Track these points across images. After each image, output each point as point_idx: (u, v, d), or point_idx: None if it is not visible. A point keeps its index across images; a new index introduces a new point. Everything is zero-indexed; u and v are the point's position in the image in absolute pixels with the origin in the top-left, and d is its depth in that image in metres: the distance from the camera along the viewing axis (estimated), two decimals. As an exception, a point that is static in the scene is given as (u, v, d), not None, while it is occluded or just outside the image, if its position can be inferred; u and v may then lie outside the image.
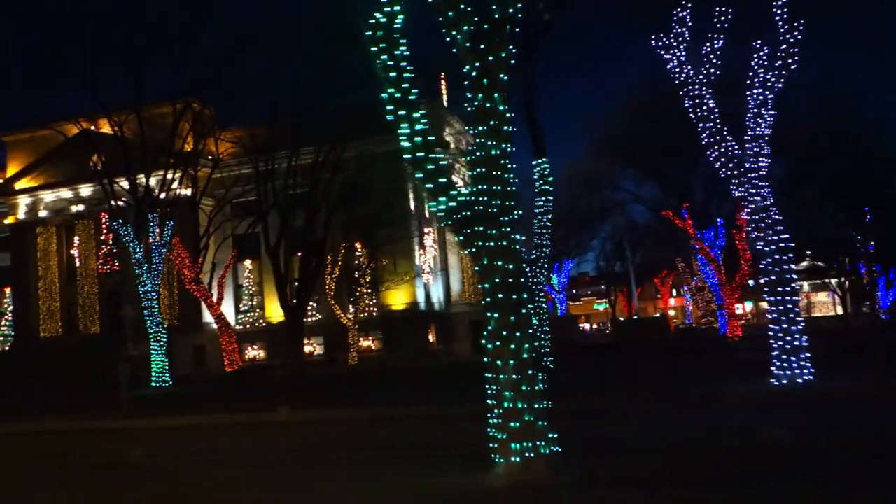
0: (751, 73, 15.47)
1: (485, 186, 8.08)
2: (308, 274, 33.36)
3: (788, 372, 14.37)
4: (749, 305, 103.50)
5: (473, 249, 8.17)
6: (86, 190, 51.33)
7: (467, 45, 8.06)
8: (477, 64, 8.05)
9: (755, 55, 15.40)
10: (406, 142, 8.31)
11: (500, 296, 7.95)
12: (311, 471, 9.65)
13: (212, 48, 36.62)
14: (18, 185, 52.12)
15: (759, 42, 15.45)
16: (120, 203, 36.29)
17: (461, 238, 8.27)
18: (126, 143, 35.97)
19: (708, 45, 15.40)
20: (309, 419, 15.82)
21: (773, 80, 14.80)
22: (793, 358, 14.36)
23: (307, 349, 49.01)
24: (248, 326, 49.59)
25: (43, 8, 25.30)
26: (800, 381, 14.28)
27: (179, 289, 48.81)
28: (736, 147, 15.20)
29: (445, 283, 52.58)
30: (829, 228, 50.01)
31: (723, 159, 15.21)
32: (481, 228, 8.03)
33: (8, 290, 54.43)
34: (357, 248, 44.49)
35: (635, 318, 69.05)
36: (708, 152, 15.49)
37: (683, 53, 15.50)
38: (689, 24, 15.46)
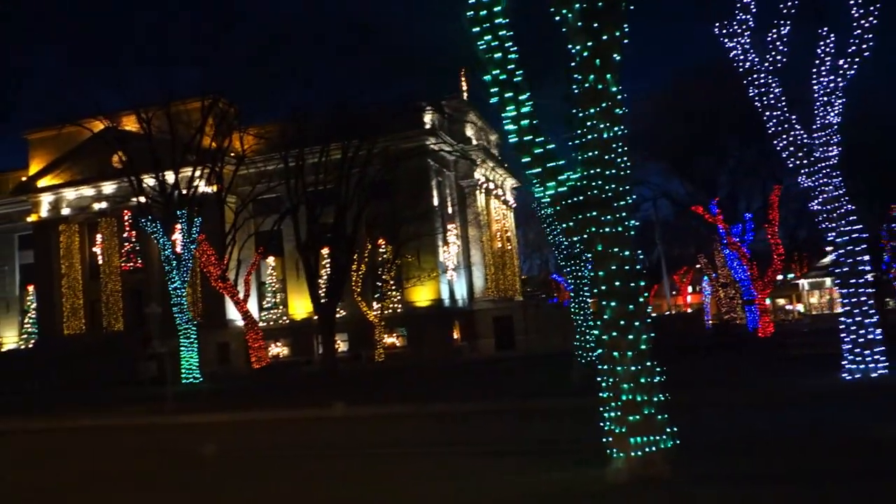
0: (817, 61, 15.08)
1: (597, 170, 7.78)
2: (339, 270, 33.10)
3: (862, 366, 14.00)
4: (766, 302, 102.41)
5: (585, 236, 7.86)
6: (108, 187, 51.34)
7: (579, 24, 7.75)
8: (589, 44, 7.74)
9: (821, 42, 15.01)
10: (511, 125, 8.02)
11: (617, 284, 7.64)
12: (399, 466, 9.37)
13: (240, 45, 36.56)
14: (41, 183, 52.19)
15: (825, 29, 15.06)
16: (144, 200, 36.28)
17: (570, 224, 7.97)
18: (152, 141, 35.87)
19: (774, 31, 15.02)
20: (367, 415, 15.58)
21: (845, 66, 14.41)
22: (866, 352, 13.99)
23: (331, 346, 48.93)
24: (271, 324, 49.44)
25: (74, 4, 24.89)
26: (874, 375, 13.91)
27: (203, 286, 48.77)
28: (805, 136, 14.82)
29: (468, 279, 52.32)
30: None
31: (791, 149, 14.83)
32: (594, 214, 7.73)
33: (31, 288, 54.59)
34: (381, 244, 44.25)
35: (668, 313, 68.36)
36: (775, 142, 15.11)
37: (748, 40, 15.12)
38: (754, 10, 15.10)
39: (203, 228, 36.08)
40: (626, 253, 7.74)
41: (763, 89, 14.99)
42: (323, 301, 33.02)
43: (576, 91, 7.98)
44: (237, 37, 36.25)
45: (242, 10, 32.13)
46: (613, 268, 7.67)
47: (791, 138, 14.83)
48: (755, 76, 15.06)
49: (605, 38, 7.67)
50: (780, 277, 57.65)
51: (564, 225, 8.08)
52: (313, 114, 34.15)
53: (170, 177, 36.75)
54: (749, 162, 43.25)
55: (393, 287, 44.38)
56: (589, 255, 7.97)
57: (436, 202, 47.95)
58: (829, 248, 15.36)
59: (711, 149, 41.59)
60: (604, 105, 7.79)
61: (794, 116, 14.91)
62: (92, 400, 27.87)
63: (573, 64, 7.96)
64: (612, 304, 7.64)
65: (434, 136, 46.61)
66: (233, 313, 49.45)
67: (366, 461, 9.86)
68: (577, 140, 7.97)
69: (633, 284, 7.68)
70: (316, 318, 48.45)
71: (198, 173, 37.30)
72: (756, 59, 15.12)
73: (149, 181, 37.57)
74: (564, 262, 23.26)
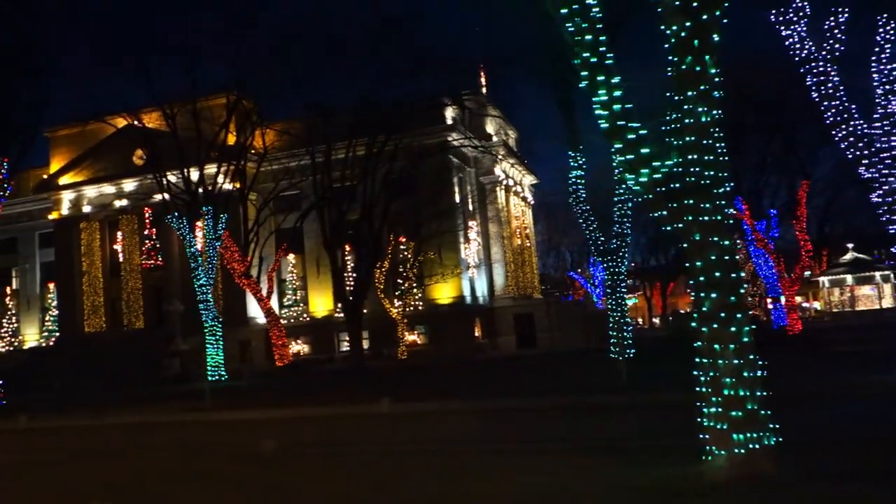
0: (877, 49, 14.70)
1: (694, 156, 7.48)
2: (366, 267, 32.85)
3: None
4: (795, 299, 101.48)
5: (681, 225, 7.56)
6: (129, 185, 51.39)
7: (676, 2, 7.45)
8: (687, 24, 7.43)
9: (881, 29, 14.62)
10: (602, 110, 7.72)
11: (717, 274, 7.34)
12: (483, 462, 9.11)
13: (264, 41, 36.32)
14: (62, 181, 52.28)
15: (884, 16, 14.68)
16: (165, 197, 36.08)
17: (665, 213, 7.67)
18: (178, 137, 35.74)
19: (832, 19, 14.64)
20: (414, 411, 15.33)
21: (909, 54, 14.02)
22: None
23: (351, 344, 48.77)
24: (291, 321, 49.29)
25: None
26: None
27: (224, 284, 48.70)
28: (865, 126, 14.44)
29: (489, 276, 52.03)
30: (870, 220, 48.94)
31: (850, 139, 14.45)
32: (691, 202, 7.43)
33: (51, 286, 54.74)
34: (402, 241, 44.01)
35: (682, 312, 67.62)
36: (833, 132, 14.73)
37: (804, 28, 14.75)
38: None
39: (217, 227, 35.96)
40: (726, 242, 7.44)
41: (821, 78, 14.61)
42: (349, 298, 32.74)
43: (671, 74, 7.67)
44: (261, 32, 35.79)
45: (266, 5, 31.22)
46: (713, 258, 7.37)
47: (850, 129, 14.45)
48: (812, 65, 14.68)
49: (704, 17, 7.36)
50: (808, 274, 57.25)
51: (659, 213, 7.76)
52: (338, 110, 33.90)
53: (194, 173, 36.63)
54: (775, 157, 42.69)
55: (415, 284, 44.11)
56: (685, 245, 7.65)
57: (457, 199, 47.66)
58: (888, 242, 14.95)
59: (736, 143, 40.99)
60: (702, 88, 7.48)
61: (853, 106, 14.53)
62: (122, 397, 27.78)
63: (668, 45, 7.66)
64: (713, 295, 7.34)
65: (456, 131, 46.35)
66: (253, 311, 49.41)
67: (446, 458, 9.59)
68: (672, 125, 7.66)
69: (733, 275, 7.38)
70: (337, 315, 48.61)
71: (222, 169, 37.17)
72: (813, 48, 14.75)
73: (172, 178, 37.43)
74: (601, 258, 22.92)
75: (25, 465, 11.91)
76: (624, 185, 22.77)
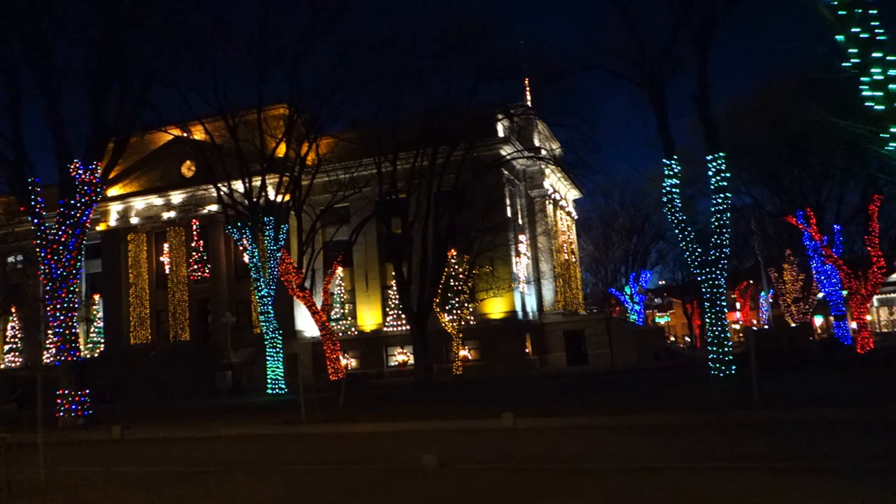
0: None
1: None
2: (432, 279, 32.18)
3: None
4: (819, 319, 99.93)
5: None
6: (177, 197, 51.35)
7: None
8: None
9: None
10: (875, 90, 7.01)
11: None
12: (703, 481, 8.32)
13: (325, 52, 36.03)
14: (109, 193, 52.32)
15: None
16: (216, 208, 35.79)
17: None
18: (222, 149, 35.50)
19: None
20: (542, 427, 14.58)
21: None
22: None
23: (400, 359, 48.01)
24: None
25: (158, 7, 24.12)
26: None
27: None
28: None
29: (538, 292, 51.19)
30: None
31: None
32: None
33: (97, 297, 54.68)
34: (453, 254, 43.35)
35: (767, 327, 66.45)
36: None
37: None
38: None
39: (279, 237, 35.51)
40: None
41: None
42: (414, 310, 32.04)
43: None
44: (322, 43, 35.41)
45: (332, 20, 30.56)
46: None
47: None
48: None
49: None
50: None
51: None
52: (400, 121, 33.39)
53: (245, 184, 36.24)
54: (841, 170, 41.68)
55: (469, 299, 43.39)
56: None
57: (508, 213, 47.03)
58: None
59: (802, 157, 40.09)
60: None
61: None
62: (187, 409, 27.16)
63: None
64: None
65: (509, 144, 45.84)
66: (301, 324, 48.92)
67: (657, 476, 8.80)
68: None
69: None
70: (386, 329, 47.97)
71: (274, 181, 36.88)
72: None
73: (225, 189, 37.10)
74: (699, 271, 22.09)
75: (176, 477, 11.29)
76: (722, 195, 22.04)
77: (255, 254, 33.66)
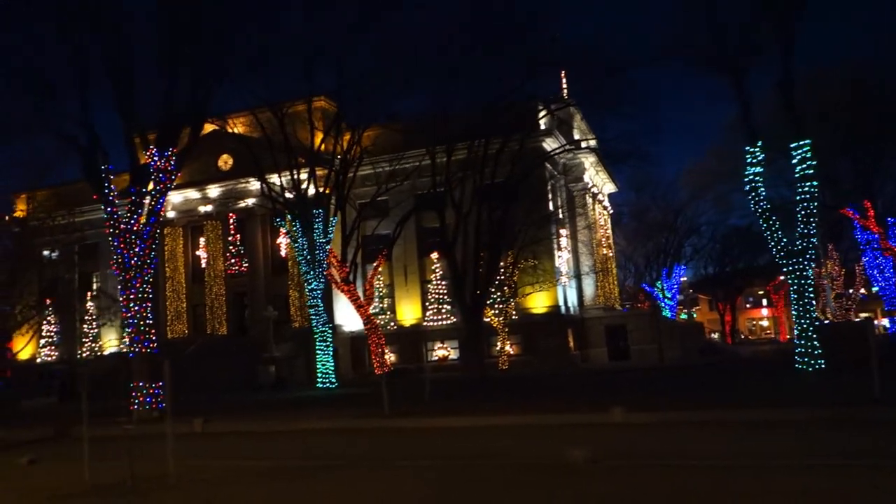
0: None
1: None
2: (487, 271, 31.60)
3: None
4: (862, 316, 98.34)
5: None
6: (214, 190, 51.09)
7: None
8: None
9: None
10: None
11: None
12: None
13: (372, 46, 35.46)
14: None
15: None
16: (249, 202, 35.40)
17: None
18: (261, 142, 35.04)
19: None
20: (655, 422, 13.93)
21: None
22: None
23: (440, 353, 47.49)
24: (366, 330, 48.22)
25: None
26: None
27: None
28: None
29: (578, 286, 50.50)
30: None
31: None
32: None
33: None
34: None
35: (827, 322, 65.35)
36: None
37: None
38: None
39: (328, 230, 35.02)
40: None
41: None
42: (469, 303, 31.48)
43: None
44: (369, 37, 34.75)
45: (377, 15, 29.94)
46: None
47: None
48: None
49: None
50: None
51: None
52: (448, 113, 32.73)
53: (290, 176, 35.76)
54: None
55: (513, 293, 42.75)
56: None
57: (551, 206, 46.35)
58: None
59: (859, 149, 39.19)
60: None
61: None
62: (241, 403, 26.69)
63: None
64: None
65: (551, 137, 45.15)
66: (339, 319, 48.51)
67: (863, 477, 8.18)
68: None
69: None
70: (425, 323, 47.44)
71: (321, 172, 36.36)
72: None
73: (273, 182, 36.64)
74: (785, 261, 21.34)
75: (297, 471, 10.80)
76: (809, 184, 21.29)
77: (305, 246, 33.15)
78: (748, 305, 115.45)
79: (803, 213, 21.08)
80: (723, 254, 78.42)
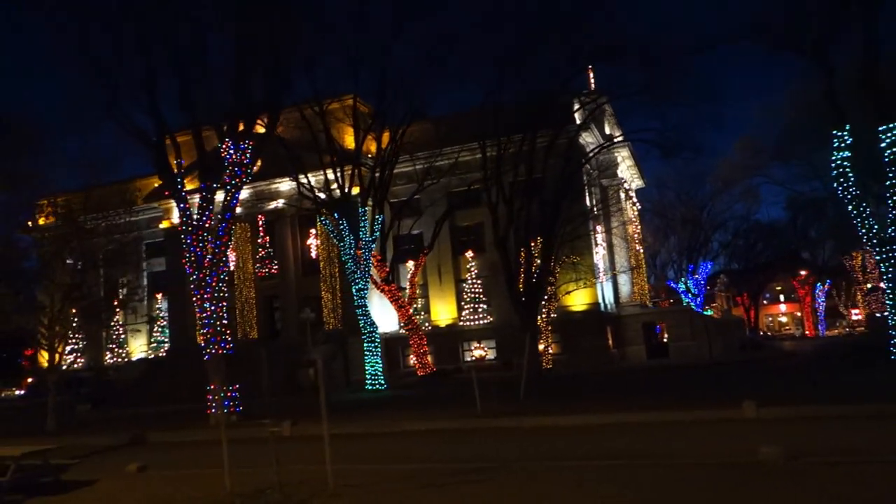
0: None
1: None
2: (543, 267, 30.85)
3: None
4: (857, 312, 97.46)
5: None
6: (243, 192, 50.19)
7: None
8: None
9: None
10: None
11: None
12: None
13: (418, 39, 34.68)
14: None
15: None
16: (278, 203, 34.48)
17: None
18: (331, 139, 34.22)
19: None
20: (789, 416, 13.16)
21: None
22: None
23: (477, 353, 46.67)
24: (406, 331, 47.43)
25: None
26: None
27: (342, 291, 47.16)
28: None
29: (614, 284, 49.70)
30: None
31: None
32: None
33: (159, 296, 53.76)
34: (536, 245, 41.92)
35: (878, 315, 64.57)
36: None
37: None
38: None
39: (374, 228, 34.26)
40: None
41: None
42: (523, 300, 30.70)
43: None
44: (415, 30, 34.03)
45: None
46: None
47: None
48: None
49: None
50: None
51: None
52: (500, 105, 31.97)
53: (334, 174, 35.00)
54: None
55: (553, 291, 41.94)
56: None
57: (587, 201, 45.55)
58: None
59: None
60: None
61: None
62: (292, 407, 25.83)
63: None
64: None
65: (587, 130, 44.34)
66: (377, 320, 47.59)
67: None
68: None
69: None
70: (461, 323, 46.61)
71: (361, 172, 35.63)
72: None
73: (313, 180, 35.87)
74: (879, 249, 20.55)
75: (449, 475, 10.00)
76: (897, 168, 20.51)
77: (352, 246, 32.37)
78: (765, 302, 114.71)
79: (894, 199, 20.29)
80: (747, 249, 77.63)
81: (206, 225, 18.43)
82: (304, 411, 22.75)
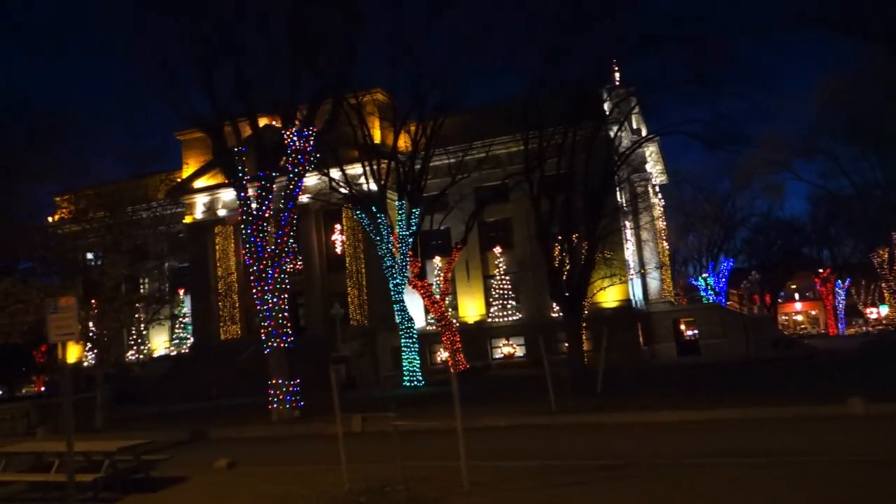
0: None
1: None
2: (587, 262, 30.27)
3: None
4: (885, 310, 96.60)
5: None
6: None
7: None
8: None
9: None
10: None
11: None
12: None
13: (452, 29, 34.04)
14: (195, 184, 50.83)
15: None
16: (303, 199, 33.56)
17: None
18: (366, 130, 33.58)
19: None
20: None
21: None
22: None
23: (506, 350, 46.11)
24: (437, 327, 46.85)
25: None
26: None
27: (369, 287, 46.61)
28: None
29: (643, 281, 49.08)
30: None
31: None
32: None
33: (181, 292, 53.19)
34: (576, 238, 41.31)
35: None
36: None
37: None
38: None
39: (411, 222, 33.65)
40: None
41: None
42: (566, 294, 30.12)
43: None
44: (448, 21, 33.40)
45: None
46: None
47: None
48: None
49: None
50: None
51: None
52: (540, 95, 31.32)
53: (370, 168, 34.38)
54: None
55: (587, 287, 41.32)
56: None
57: (618, 197, 44.94)
58: None
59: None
60: None
61: None
62: (366, 403, 25.18)
63: None
64: None
65: (617, 124, 43.74)
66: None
67: None
68: None
69: None
70: (489, 320, 46.03)
71: (398, 165, 34.98)
72: None
73: (340, 174, 35.20)
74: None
75: (610, 470, 9.40)
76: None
77: (389, 239, 31.78)
78: (779, 300, 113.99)
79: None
80: (767, 246, 77.01)
81: (266, 215, 17.87)
82: (357, 408, 22.17)
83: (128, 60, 19.19)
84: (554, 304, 43.35)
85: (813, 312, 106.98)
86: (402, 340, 32.32)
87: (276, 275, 17.68)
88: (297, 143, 18.52)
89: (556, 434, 13.71)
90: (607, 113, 32.40)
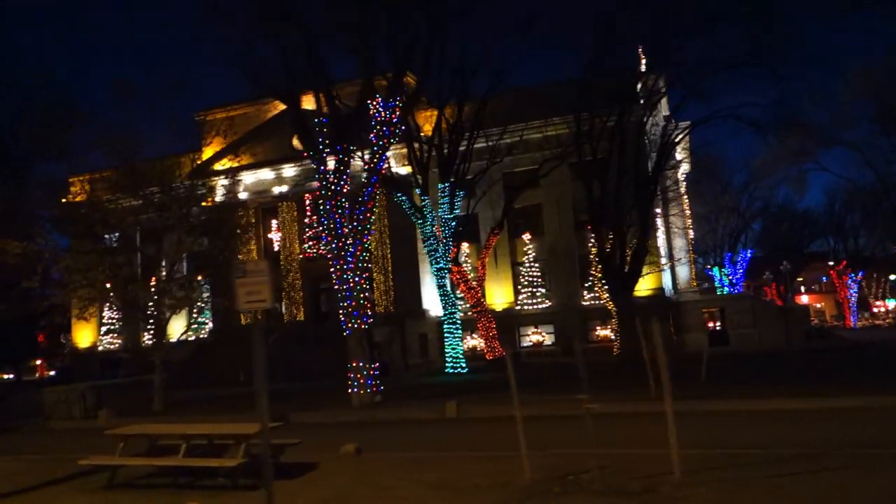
0: None
1: None
2: (639, 247, 29.58)
3: None
4: (892, 303, 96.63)
5: None
6: (289, 170, 48.79)
7: None
8: None
9: None
10: None
11: None
12: None
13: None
14: (216, 167, 49.71)
15: None
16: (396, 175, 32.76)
17: None
18: (411, 113, 32.56)
19: None
20: None
21: None
22: None
23: (534, 338, 45.46)
24: (466, 314, 46.12)
25: None
26: None
27: (394, 273, 45.82)
28: None
29: (672, 269, 48.46)
30: None
31: None
32: None
33: (199, 278, 52.12)
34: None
35: None
36: None
37: None
38: None
39: (454, 204, 32.83)
40: None
41: None
42: (617, 281, 29.44)
43: None
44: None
45: None
46: None
47: None
48: None
49: None
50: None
51: None
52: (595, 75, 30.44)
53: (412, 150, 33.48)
54: None
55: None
56: None
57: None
58: None
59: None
60: None
61: None
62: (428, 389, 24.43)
63: None
64: None
65: (668, 109, 42.98)
66: (427, 303, 46.29)
67: None
68: None
69: None
70: (517, 307, 45.35)
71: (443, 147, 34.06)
72: None
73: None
74: None
75: (798, 461, 8.68)
76: None
77: (434, 221, 30.96)
78: (788, 294, 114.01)
79: None
80: (785, 238, 76.64)
81: (344, 190, 16.99)
82: (411, 394, 21.28)
83: (203, 24, 18.08)
84: (585, 293, 42.72)
85: (819, 305, 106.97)
86: (445, 326, 31.61)
87: (357, 252, 16.81)
88: (383, 114, 17.61)
89: (687, 421, 12.98)
90: (660, 95, 31.48)
